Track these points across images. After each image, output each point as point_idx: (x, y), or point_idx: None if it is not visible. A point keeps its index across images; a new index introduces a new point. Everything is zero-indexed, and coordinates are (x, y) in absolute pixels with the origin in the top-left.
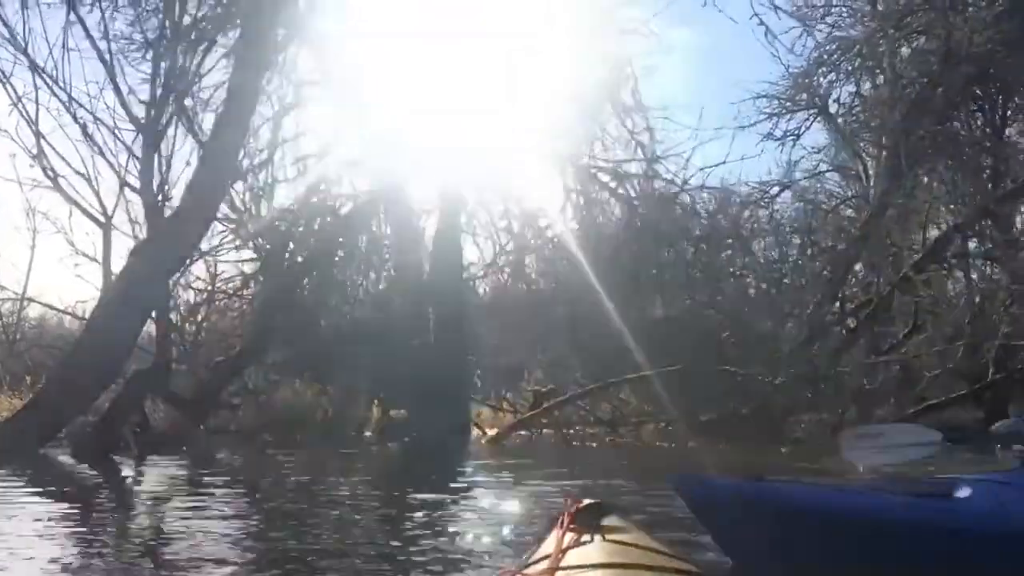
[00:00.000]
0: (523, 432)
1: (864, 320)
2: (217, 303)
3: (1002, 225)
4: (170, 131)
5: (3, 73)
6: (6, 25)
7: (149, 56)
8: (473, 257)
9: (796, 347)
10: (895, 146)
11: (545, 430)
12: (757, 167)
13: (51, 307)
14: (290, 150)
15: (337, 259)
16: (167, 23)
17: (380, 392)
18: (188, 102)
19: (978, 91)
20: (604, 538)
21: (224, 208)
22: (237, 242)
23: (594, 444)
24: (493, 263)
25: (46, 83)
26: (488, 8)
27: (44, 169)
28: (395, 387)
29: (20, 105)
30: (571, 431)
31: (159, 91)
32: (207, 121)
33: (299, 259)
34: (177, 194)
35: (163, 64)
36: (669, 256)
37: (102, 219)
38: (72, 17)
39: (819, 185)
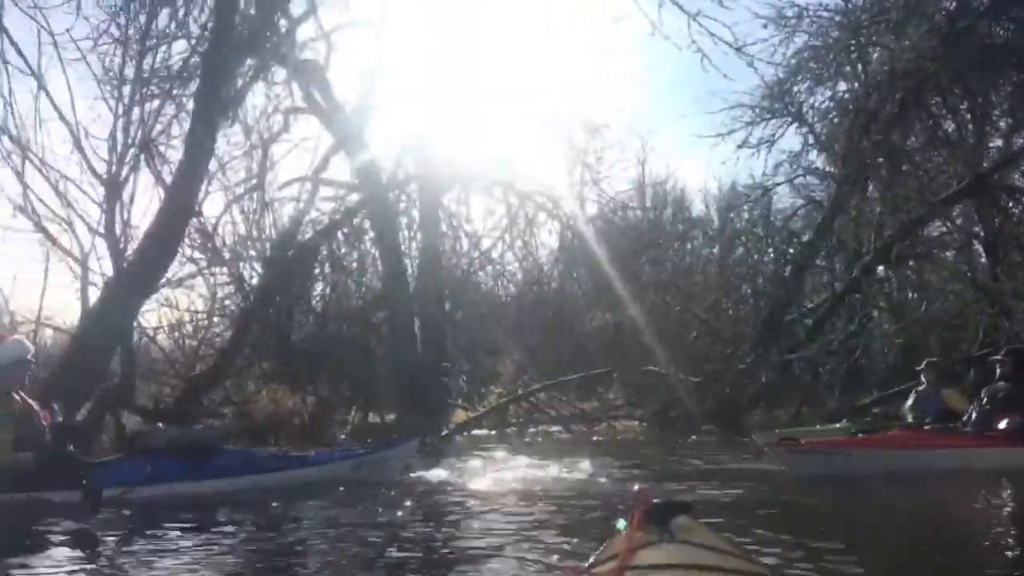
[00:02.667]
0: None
1: (820, 319)
2: (194, 322)
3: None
4: (133, 180)
5: None
6: None
7: (109, 121)
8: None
9: (755, 344)
10: (847, 153)
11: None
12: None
13: (58, 329)
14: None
15: (316, 272)
16: (123, 87)
17: (359, 398)
18: (144, 155)
19: (920, 103)
20: (674, 538)
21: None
22: (213, 267)
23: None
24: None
25: (19, 149)
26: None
27: (29, 218)
28: (375, 392)
29: (8, 162)
30: (528, 427)
31: (119, 148)
32: (172, 160)
33: (275, 275)
34: (140, 234)
35: (120, 123)
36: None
37: (79, 258)
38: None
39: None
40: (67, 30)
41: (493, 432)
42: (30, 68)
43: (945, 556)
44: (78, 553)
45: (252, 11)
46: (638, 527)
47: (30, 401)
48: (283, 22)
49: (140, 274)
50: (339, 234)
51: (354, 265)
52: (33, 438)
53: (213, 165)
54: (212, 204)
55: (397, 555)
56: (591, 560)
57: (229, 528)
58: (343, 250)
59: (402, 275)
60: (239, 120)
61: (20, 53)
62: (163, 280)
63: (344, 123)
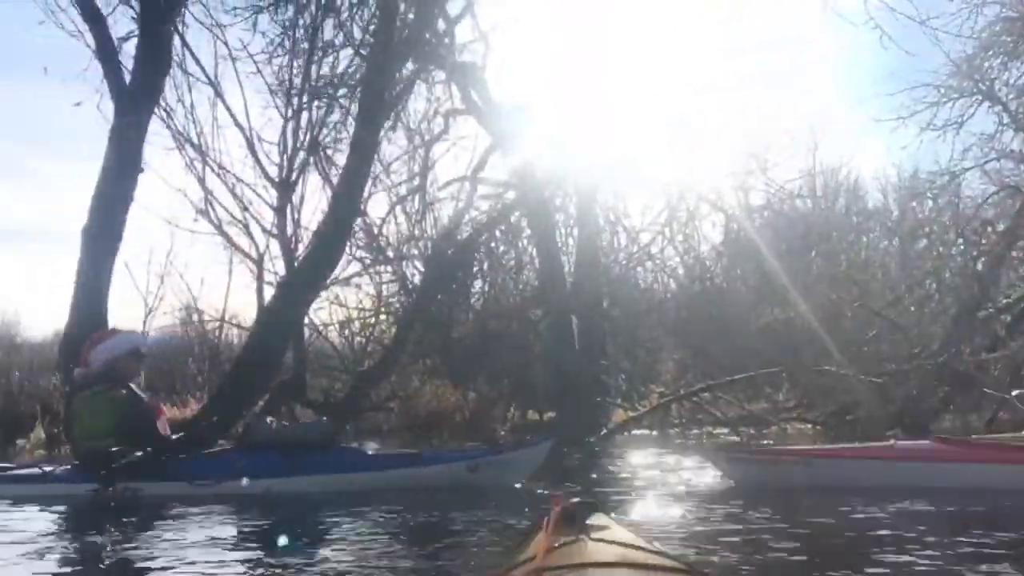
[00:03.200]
0: (649, 431)
1: (1019, 314)
2: (361, 319)
3: None
4: (302, 182)
5: (180, 140)
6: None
7: (280, 126)
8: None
9: (944, 343)
10: None
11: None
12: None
13: (241, 327)
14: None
15: (475, 270)
16: (292, 93)
17: (518, 395)
18: (313, 158)
19: None
20: (591, 537)
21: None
22: (379, 266)
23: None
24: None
25: (200, 157)
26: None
27: (211, 222)
28: (533, 390)
29: (192, 168)
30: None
31: (289, 152)
32: (338, 163)
33: (436, 274)
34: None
35: (289, 127)
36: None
37: (255, 258)
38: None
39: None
40: (244, 45)
41: (654, 433)
42: (208, 78)
43: None
44: (137, 546)
45: (411, 15)
46: (555, 527)
47: (140, 393)
48: (441, 24)
49: (309, 273)
50: (497, 232)
51: (511, 263)
52: (140, 430)
53: (377, 167)
54: (377, 205)
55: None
56: (507, 563)
57: (322, 526)
58: (501, 248)
59: (559, 272)
60: (401, 123)
61: (199, 64)
62: (331, 278)
63: (501, 122)
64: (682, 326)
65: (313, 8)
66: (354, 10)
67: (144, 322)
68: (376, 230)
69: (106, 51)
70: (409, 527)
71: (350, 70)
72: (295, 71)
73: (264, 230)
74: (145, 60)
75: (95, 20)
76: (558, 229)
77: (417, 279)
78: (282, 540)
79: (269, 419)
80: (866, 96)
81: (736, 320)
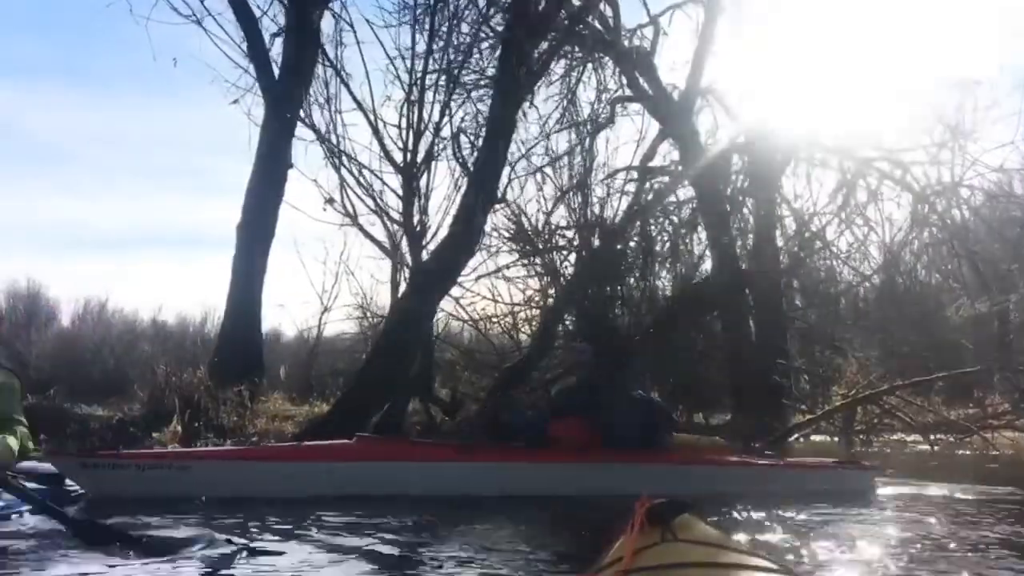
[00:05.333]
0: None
1: None
2: (512, 312)
3: None
4: (429, 171)
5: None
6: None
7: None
8: None
9: None
10: None
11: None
12: None
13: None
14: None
15: (641, 263)
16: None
17: (685, 396)
18: (452, 144)
19: None
20: (677, 537)
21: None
22: (530, 258)
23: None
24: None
25: (326, 150)
26: None
27: (346, 211)
28: (701, 391)
29: (329, 159)
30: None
31: (411, 137)
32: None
33: (596, 267)
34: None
35: (413, 114)
36: None
37: (389, 250)
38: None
39: None
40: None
41: (835, 440)
42: (331, 63)
43: None
44: None
45: None
46: (641, 529)
47: None
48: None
49: (441, 264)
50: (667, 223)
51: (685, 256)
52: None
53: (516, 153)
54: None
55: None
56: (594, 566)
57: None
58: (669, 240)
59: (735, 265)
60: (566, 112)
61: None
62: (467, 270)
63: (671, 108)
64: (868, 320)
65: None
66: None
67: (320, 320)
68: (527, 221)
69: (257, 49)
70: (499, 530)
71: (484, 47)
72: (417, 51)
73: (391, 219)
74: (294, 57)
75: (248, 19)
76: (734, 219)
77: (569, 271)
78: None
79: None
80: None
81: (932, 313)
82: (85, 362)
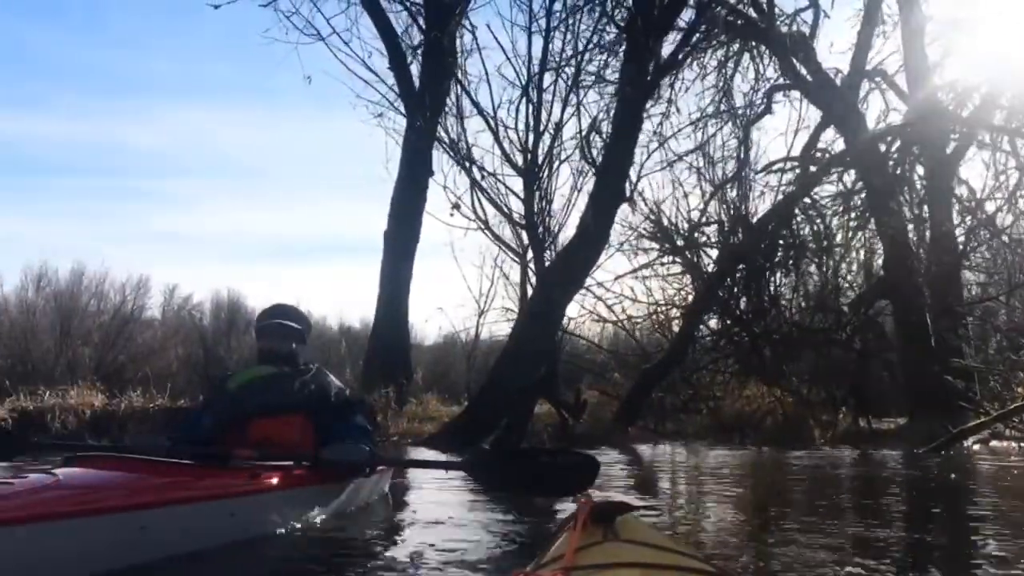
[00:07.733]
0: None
1: None
2: (655, 314)
3: None
4: (550, 172)
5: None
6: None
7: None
8: None
9: None
10: None
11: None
12: None
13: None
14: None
15: (804, 259)
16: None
17: (851, 399)
18: (559, 143)
19: None
20: (619, 537)
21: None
22: (670, 256)
23: None
24: None
25: (455, 157)
26: None
27: (476, 216)
28: (867, 393)
29: (461, 165)
30: None
31: (531, 137)
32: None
33: (752, 263)
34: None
35: (530, 112)
36: None
37: (518, 251)
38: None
39: None
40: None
41: (1016, 445)
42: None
43: None
44: None
45: None
46: (584, 527)
47: None
48: None
49: (568, 265)
50: (833, 218)
51: (855, 252)
52: None
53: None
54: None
55: None
56: (533, 564)
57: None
58: (838, 235)
59: (909, 259)
60: (722, 104)
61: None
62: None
63: (835, 96)
64: None
65: None
66: None
67: (477, 323)
68: (666, 219)
69: (398, 61)
70: (436, 525)
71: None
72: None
73: (516, 224)
74: (432, 67)
75: (388, 33)
76: (904, 210)
77: (711, 269)
78: None
79: None
80: None
81: None
82: None
